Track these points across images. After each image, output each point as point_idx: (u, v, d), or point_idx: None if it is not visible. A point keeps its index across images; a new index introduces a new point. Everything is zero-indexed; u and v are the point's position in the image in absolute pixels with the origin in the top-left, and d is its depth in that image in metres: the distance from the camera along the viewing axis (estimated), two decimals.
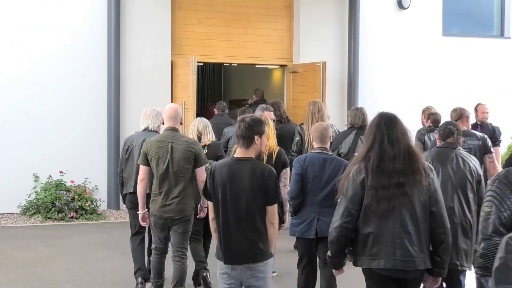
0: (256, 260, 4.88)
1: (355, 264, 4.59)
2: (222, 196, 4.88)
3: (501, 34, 16.50)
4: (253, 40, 13.73)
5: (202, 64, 16.33)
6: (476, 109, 10.98)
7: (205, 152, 6.82)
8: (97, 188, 12.12)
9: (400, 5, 14.97)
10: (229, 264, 4.91)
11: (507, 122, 12.63)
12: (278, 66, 15.20)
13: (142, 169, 6.59)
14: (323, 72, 13.06)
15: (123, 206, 12.27)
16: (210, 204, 5.05)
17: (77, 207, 11.28)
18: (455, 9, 15.94)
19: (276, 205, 4.96)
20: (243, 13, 13.66)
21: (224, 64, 18.51)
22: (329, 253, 4.65)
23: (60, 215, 11.18)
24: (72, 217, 11.23)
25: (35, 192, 11.64)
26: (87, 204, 11.45)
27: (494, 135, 10.31)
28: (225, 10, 13.51)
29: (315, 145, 6.31)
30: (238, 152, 4.98)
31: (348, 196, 4.48)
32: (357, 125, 8.18)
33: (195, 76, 12.03)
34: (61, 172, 11.70)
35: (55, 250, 9.22)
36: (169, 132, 6.59)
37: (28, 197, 11.64)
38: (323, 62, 13.12)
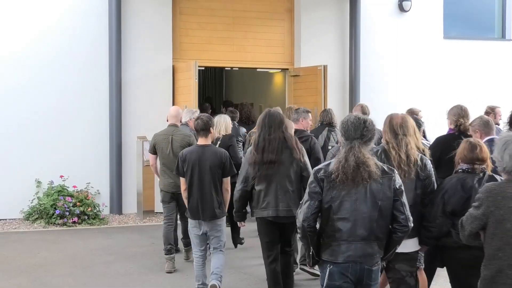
0: (216, 217, 6.96)
1: (252, 215, 6.63)
2: (192, 172, 6.94)
3: (503, 36, 16.49)
4: (254, 44, 13.75)
5: (203, 68, 16.35)
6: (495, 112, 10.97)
7: (218, 143, 8.84)
8: (99, 193, 12.13)
9: (401, 8, 14.98)
10: (198, 220, 6.96)
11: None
12: (279, 70, 15.21)
13: (151, 156, 8.68)
14: (324, 75, 13.08)
15: (125, 210, 12.34)
16: (182, 180, 7.09)
17: (79, 213, 11.28)
18: (455, 12, 15.94)
19: (229, 177, 7.05)
20: (244, 17, 13.68)
21: (225, 68, 18.53)
22: (235, 209, 6.57)
23: (62, 220, 11.18)
24: (74, 222, 11.24)
25: (38, 197, 11.65)
26: (89, 210, 11.45)
27: None
28: (226, 15, 13.53)
29: None
30: (200, 141, 7.07)
31: (245, 169, 6.47)
32: (326, 122, 9.53)
33: (197, 80, 12.04)
34: (61, 176, 11.70)
35: (58, 255, 9.22)
36: (171, 127, 8.62)
37: (31, 202, 11.65)
38: (324, 66, 13.13)
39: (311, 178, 4.54)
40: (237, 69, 16.75)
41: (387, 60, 14.83)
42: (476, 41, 16.01)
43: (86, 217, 11.43)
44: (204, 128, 7.04)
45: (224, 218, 7.12)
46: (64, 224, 11.19)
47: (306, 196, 4.51)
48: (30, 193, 11.70)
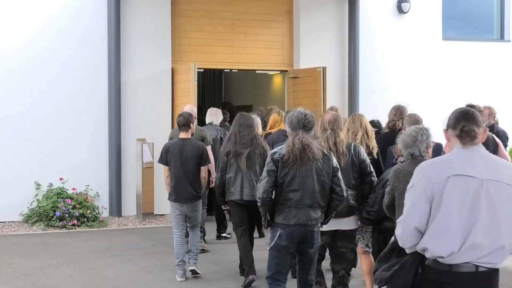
0: (195, 199, 8.12)
1: (226, 199, 7.83)
2: (174, 162, 8.03)
3: (501, 38, 16.49)
4: (253, 46, 13.75)
5: (202, 70, 16.34)
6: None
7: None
8: (98, 195, 12.12)
9: (400, 10, 14.98)
10: (179, 203, 8.02)
11: (509, 125, 12.59)
12: (279, 72, 15.21)
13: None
14: (323, 77, 13.08)
15: (125, 213, 12.33)
16: (165, 168, 8.15)
17: (78, 215, 11.28)
18: (454, 13, 15.95)
19: (206, 166, 8.26)
20: (243, 19, 13.68)
21: (225, 70, 18.52)
22: (216, 194, 7.58)
23: (61, 223, 11.18)
24: (74, 224, 11.23)
25: (37, 200, 11.64)
26: (88, 212, 11.44)
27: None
28: (225, 16, 13.53)
29: None
30: (181, 134, 8.15)
31: (220, 160, 7.70)
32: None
33: (196, 82, 12.04)
34: (61, 179, 11.70)
35: (58, 258, 9.21)
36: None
37: (30, 205, 11.65)
38: (323, 67, 13.14)
39: (268, 159, 5.66)
40: (237, 71, 16.75)
41: (386, 61, 14.83)
42: (474, 42, 16.01)
43: (85, 219, 11.43)
44: (185, 124, 8.17)
45: (201, 200, 8.42)
46: (64, 226, 11.19)
47: (264, 173, 5.63)
48: (29, 195, 11.70)
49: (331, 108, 9.97)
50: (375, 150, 7.11)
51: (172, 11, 12.92)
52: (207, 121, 10.64)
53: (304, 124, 5.61)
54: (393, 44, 14.93)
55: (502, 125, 11.74)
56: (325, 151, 5.72)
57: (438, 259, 3.68)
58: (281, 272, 5.74)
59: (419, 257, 3.79)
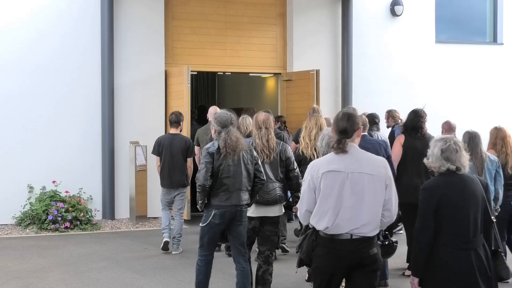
0: (182, 186, 9.76)
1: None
2: (165, 153, 9.68)
3: (494, 41, 16.55)
4: (246, 48, 13.75)
5: (195, 73, 16.33)
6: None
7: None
8: (91, 198, 12.10)
9: (393, 13, 15.02)
10: (168, 188, 9.71)
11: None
12: (272, 75, 15.22)
13: (196, 148, 10.11)
14: (316, 80, 13.10)
15: (118, 216, 12.31)
16: (157, 158, 9.82)
17: (71, 218, 11.25)
18: (447, 16, 15.99)
19: (192, 157, 9.76)
20: (237, 22, 13.69)
21: (218, 73, 18.52)
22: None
23: (54, 226, 11.15)
24: (67, 227, 11.20)
25: (30, 203, 11.61)
26: (81, 215, 11.42)
27: None
28: (218, 19, 13.54)
29: None
30: (171, 130, 9.82)
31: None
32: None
33: (189, 85, 12.04)
34: (54, 182, 11.68)
35: (50, 261, 9.20)
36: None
37: (23, 208, 11.62)
38: (316, 70, 13.16)
39: (204, 153, 6.59)
40: (230, 73, 16.75)
41: (379, 64, 14.86)
42: (467, 45, 16.06)
43: (78, 222, 11.40)
44: (176, 121, 9.82)
45: (188, 187, 10.09)
46: (57, 229, 11.16)
47: (202, 165, 6.53)
48: (22, 198, 11.67)
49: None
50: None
51: (165, 14, 12.92)
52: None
53: (231, 122, 6.68)
54: (386, 47, 14.97)
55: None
56: (247, 145, 6.78)
57: (322, 231, 4.90)
58: (212, 244, 6.78)
59: (315, 229, 4.97)
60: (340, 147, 4.91)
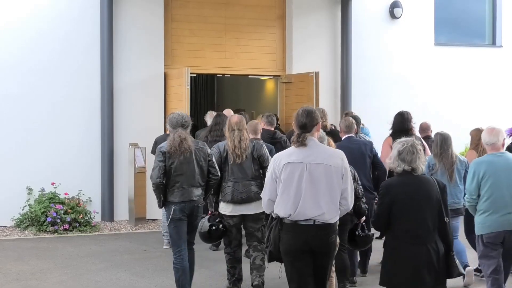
0: None
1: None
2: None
3: (493, 43, 16.56)
4: (246, 50, 13.76)
5: (195, 75, 16.34)
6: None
7: None
8: (90, 200, 12.09)
9: (392, 15, 15.02)
10: None
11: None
12: (271, 77, 15.22)
13: None
14: (316, 82, 13.10)
15: (117, 217, 12.31)
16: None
17: (70, 220, 11.24)
18: (446, 18, 16.00)
19: None
20: (236, 24, 13.69)
21: (217, 75, 18.53)
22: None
23: (53, 227, 11.14)
24: (66, 229, 11.20)
25: (29, 204, 11.61)
26: (80, 217, 11.41)
27: None
28: (217, 21, 13.53)
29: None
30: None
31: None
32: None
33: (188, 87, 12.04)
34: (53, 184, 11.67)
35: (49, 263, 9.19)
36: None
37: (22, 209, 11.61)
38: (316, 72, 13.16)
39: (157, 152, 7.03)
40: (229, 76, 16.76)
41: (379, 66, 14.86)
42: (466, 48, 16.07)
43: (77, 224, 11.40)
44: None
45: None
46: (55, 231, 11.15)
47: (155, 164, 6.96)
48: (21, 200, 11.66)
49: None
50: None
51: (164, 16, 12.92)
52: (209, 123, 10.97)
53: (182, 124, 7.08)
54: (385, 49, 14.97)
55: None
56: (200, 143, 7.24)
57: (287, 218, 5.29)
58: (180, 238, 7.04)
59: (279, 219, 5.36)
60: (299, 140, 5.34)
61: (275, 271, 5.89)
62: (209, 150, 7.24)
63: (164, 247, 9.92)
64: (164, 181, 6.94)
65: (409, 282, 5.23)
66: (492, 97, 15.99)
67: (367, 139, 9.68)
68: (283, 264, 5.54)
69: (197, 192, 7.05)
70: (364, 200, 7.13)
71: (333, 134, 9.60)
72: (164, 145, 7.03)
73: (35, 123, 11.98)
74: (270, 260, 5.58)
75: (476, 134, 8.40)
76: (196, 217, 7.13)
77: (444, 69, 15.62)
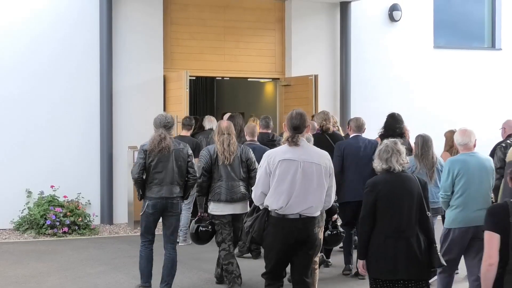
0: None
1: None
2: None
3: (492, 46, 16.57)
4: (245, 53, 13.77)
5: (194, 78, 16.36)
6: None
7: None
8: (90, 203, 12.09)
9: (391, 18, 15.04)
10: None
11: (498, 133, 12.60)
12: (270, 80, 15.24)
13: None
14: (315, 85, 13.12)
15: (116, 220, 12.29)
16: None
17: (69, 223, 11.24)
18: (446, 21, 16.03)
19: (198, 158, 8.79)
20: (235, 27, 13.71)
21: (217, 78, 18.54)
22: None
23: (52, 230, 11.14)
24: (65, 232, 11.19)
25: (28, 207, 11.60)
26: (79, 220, 11.41)
27: None
28: (217, 24, 13.55)
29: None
30: (183, 132, 10.37)
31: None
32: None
33: (188, 90, 12.05)
34: (52, 187, 11.67)
35: (49, 266, 9.18)
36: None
37: (21, 212, 11.60)
38: (315, 75, 13.17)
39: (139, 150, 7.45)
40: (228, 78, 16.77)
41: (378, 69, 14.88)
42: (466, 51, 16.09)
43: (76, 227, 11.39)
44: (189, 124, 10.48)
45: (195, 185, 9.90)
46: (55, 234, 11.15)
47: (136, 160, 7.42)
48: (20, 203, 11.66)
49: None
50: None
51: (164, 19, 12.93)
52: (207, 127, 11.41)
53: (164, 124, 7.43)
54: (384, 52, 14.98)
55: (494, 133, 11.72)
56: (182, 144, 7.59)
57: (275, 211, 5.72)
58: (149, 231, 7.65)
59: (267, 211, 5.80)
60: (293, 140, 5.78)
61: (256, 264, 6.05)
62: (190, 152, 7.60)
63: (180, 244, 9.87)
64: (143, 177, 7.38)
65: (394, 273, 5.48)
66: (491, 100, 16.00)
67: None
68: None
69: (175, 190, 7.42)
70: (336, 198, 7.22)
71: (335, 137, 9.65)
72: (145, 143, 7.43)
73: (34, 126, 11.98)
74: (251, 243, 6.07)
75: (450, 136, 8.81)
76: (171, 213, 7.49)
77: (444, 72, 15.64)
